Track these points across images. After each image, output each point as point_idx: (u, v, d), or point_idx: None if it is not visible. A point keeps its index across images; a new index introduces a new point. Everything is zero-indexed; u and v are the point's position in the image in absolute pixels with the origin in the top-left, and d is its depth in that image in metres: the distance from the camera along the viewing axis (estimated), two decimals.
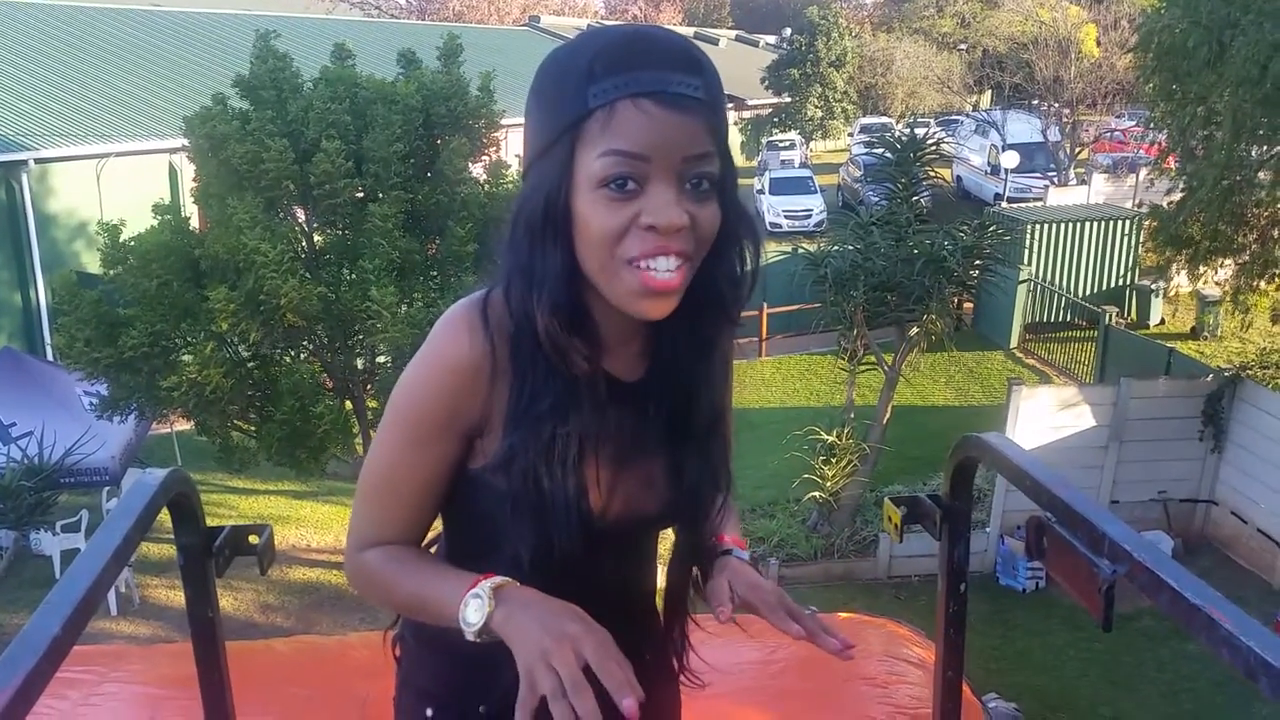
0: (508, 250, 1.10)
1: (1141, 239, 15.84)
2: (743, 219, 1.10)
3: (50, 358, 12.21)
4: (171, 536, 1.61)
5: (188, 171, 11.40)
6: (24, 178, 14.32)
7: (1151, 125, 13.05)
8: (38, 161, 14.56)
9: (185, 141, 9.06)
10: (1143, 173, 19.01)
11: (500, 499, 1.12)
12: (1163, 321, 16.52)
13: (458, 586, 1.08)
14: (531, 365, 1.10)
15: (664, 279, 1.02)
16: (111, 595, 8.93)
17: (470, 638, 1.06)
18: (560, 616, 1.02)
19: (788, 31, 37.70)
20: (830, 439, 10.19)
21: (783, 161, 28.83)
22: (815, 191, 24.24)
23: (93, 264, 11.12)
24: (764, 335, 15.81)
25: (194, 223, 9.19)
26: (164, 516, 1.55)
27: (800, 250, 10.61)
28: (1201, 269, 11.94)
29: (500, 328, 1.11)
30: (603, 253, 1.03)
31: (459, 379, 1.11)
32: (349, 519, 1.25)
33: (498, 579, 1.07)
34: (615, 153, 1.00)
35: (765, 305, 15.41)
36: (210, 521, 1.63)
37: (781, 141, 31.33)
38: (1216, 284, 13.21)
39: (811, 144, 34.05)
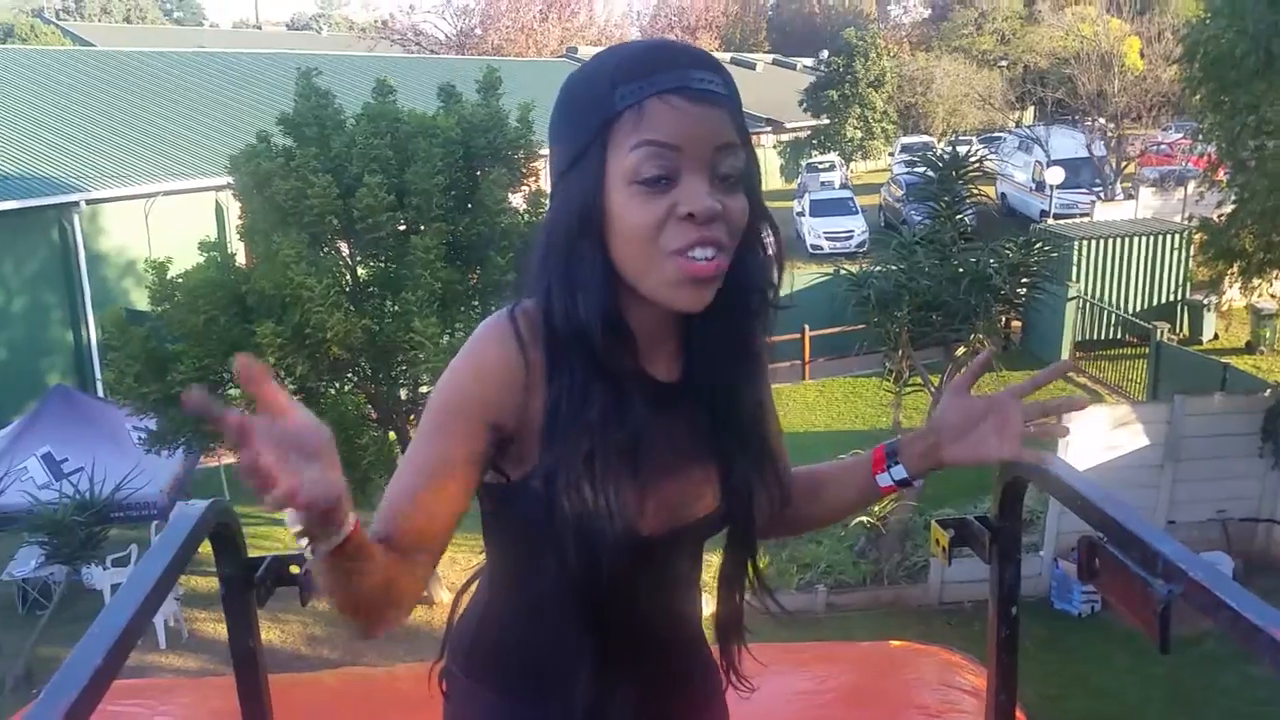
0: (542, 262, 1.11)
1: (1192, 253, 15.56)
2: (764, 211, 1.13)
3: (101, 394, 12.46)
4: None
5: (234, 209, 11.61)
6: (75, 218, 14.71)
7: (1200, 137, 12.83)
8: (89, 202, 14.95)
9: (231, 179, 9.24)
10: (1191, 185, 18.69)
11: (541, 509, 1.10)
12: (1216, 337, 16.18)
13: None
14: (572, 374, 1.09)
15: (703, 266, 1.04)
16: (160, 629, 9.03)
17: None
18: None
19: (825, 54, 37.72)
20: None
21: (822, 183, 28.73)
22: (856, 212, 24.10)
23: (141, 301, 11.35)
24: (807, 358, 15.70)
25: (240, 259, 9.35)
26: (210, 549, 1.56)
27: (842, 271, 10.56)
28: (1255, 282, 11.68)
29: (533, 337, 1.11)
30: (644, 247, 1.04)
31: (484, 374, 1.11)
32: None
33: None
34: (648, 143, 1.02)
35: (807, 328, 15.30)
36: (257, 553, 1.63)
37: (821, 163, 31.25)
38: (1272, 296, 12.94)
39: (851, 165, 33.95)
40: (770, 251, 1.15)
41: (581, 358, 1.09)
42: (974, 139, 27.01)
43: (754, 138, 1.14)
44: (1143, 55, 25.69)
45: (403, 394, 9.26)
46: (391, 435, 9.09)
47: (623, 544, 1.10)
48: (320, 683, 2.93)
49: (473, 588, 1.34)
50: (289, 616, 9.57)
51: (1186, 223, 17.44)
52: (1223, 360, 12.73)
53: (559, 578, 1.12)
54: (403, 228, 8.76)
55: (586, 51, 36.70)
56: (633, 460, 1.10)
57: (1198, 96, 11.75)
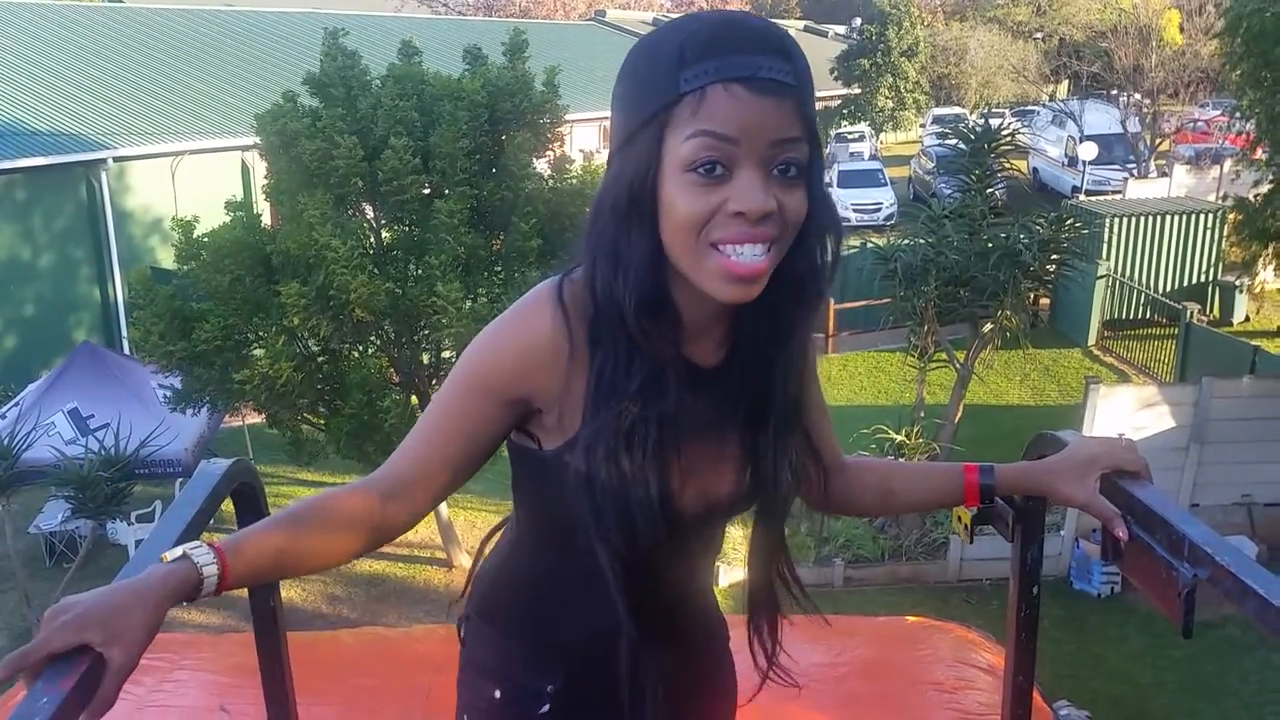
0: (591, 235, 1.10)
1: (1226, 233, 15.35)
2: (827, 208, 1.09)
3: (126, 351, 12.57)
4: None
5: (259, 169, 11.62)
6: (103, 176, 14.78)
7: (1239, 114, 12.61)
8: (116, 160, 15.01)
9: (257, 139, 9.22)
10: (1228, 164, 18.40)
11: (578, 482, 1.11)
12: (1247, 319, 15.99)
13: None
14: (613, 349, 1.10)
15: (748, 263, 1.02)
16: None
17: None
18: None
19: (858, 21, 37.27)
20: (899, 438, 10.03)
21: (852, 154, 28.49)
22: (885, 184, 23.90)
23: (168, 260, 11.43)
24: (831, 331, 15.64)
25: (265, 219, 9.35)
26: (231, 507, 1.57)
27: (869, 244, 10.48)
28: None
29: (578, 310, 1.11)
30: (688, 237, 1.03)
31: (526, 349, 1.12)
32: None
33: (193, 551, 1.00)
34: (705, 133, 1.00)
35: (832, 301, 15.23)
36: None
37: (851, 133, 30.96)
38: None
39: (882, 136, 33.60)
40: (829, 248, 1.12)
41: (622, 334, 1.09)
42: (1007, 112, 26.64)
43: None
44: (1182, 29, 25.23)
45: (425, 358, 9.28)
46: (414, 399, 9.13)
47: (659, 520, 1.11)
48: (339, 642, 2.97)
49: (496, 536, 1.37)
50: (310, 576, 9.68)
51: (1221, 202, 17.18)
52: (1253, 343, 12.57)
53: (587, 546, 1.14)
54: (427, 191, 8.74)
55: (615, 15, 36.41)
56: (672, 438, 1.12)
57: (1238, 72, 11.54)
